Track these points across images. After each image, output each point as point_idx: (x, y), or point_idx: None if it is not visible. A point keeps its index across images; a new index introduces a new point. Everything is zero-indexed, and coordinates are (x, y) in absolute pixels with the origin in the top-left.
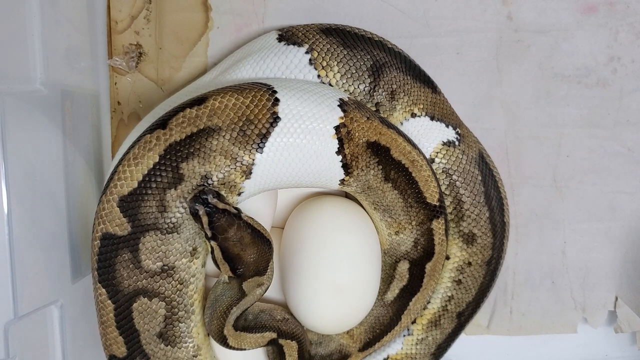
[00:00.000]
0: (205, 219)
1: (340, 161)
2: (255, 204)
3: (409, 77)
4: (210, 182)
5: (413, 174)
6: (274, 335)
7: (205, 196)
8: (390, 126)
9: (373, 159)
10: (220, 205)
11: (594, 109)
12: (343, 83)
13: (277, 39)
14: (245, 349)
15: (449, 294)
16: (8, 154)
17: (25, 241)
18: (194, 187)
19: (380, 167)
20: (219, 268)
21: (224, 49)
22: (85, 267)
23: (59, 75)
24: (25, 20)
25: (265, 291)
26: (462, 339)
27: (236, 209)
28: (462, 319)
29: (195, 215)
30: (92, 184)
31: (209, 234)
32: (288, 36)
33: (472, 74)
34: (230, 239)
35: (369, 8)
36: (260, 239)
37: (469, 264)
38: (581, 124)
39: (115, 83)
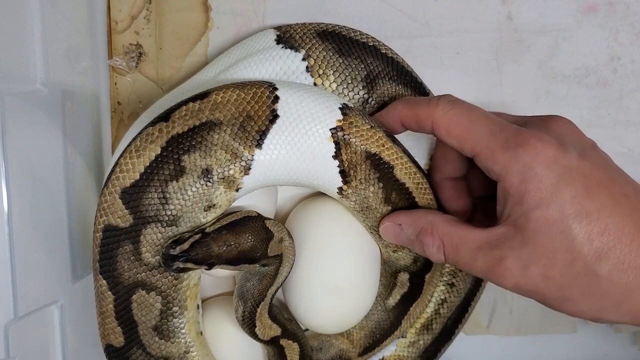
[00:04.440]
0: (190, 265)
1: (338, 166)
2: (255, 201)
3: (400, 86)
4: (210, 175)
5: (416, 199)
6: (279, 331)
7: (170, 254)
8: (396, 142)
9: (373, 173)
10: (187, 246)
11: (594, 109)
12: (339, 93)
13: (275, 40)
14: (254, 330)
15: (442, 297)
16: (8, 154)
17: (25, 241)
18: (195, 180)
19: (381, 184)
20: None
21: (224, 49)
22: (85, 267)
23: (59, 75)
24: (25, 20)
25: (291, 237)
26: (462, 339)
27: (197, 232)
28: (449, 323)
29: (182, 270)
30: (92, 184)
31: (206, 267)
32: (286, 38)
33: (472, 74)
34: (222, 254)
35: (369, 8)
36: (238, 225)
37: None
38: (581, 124)
39: (115, 83)
